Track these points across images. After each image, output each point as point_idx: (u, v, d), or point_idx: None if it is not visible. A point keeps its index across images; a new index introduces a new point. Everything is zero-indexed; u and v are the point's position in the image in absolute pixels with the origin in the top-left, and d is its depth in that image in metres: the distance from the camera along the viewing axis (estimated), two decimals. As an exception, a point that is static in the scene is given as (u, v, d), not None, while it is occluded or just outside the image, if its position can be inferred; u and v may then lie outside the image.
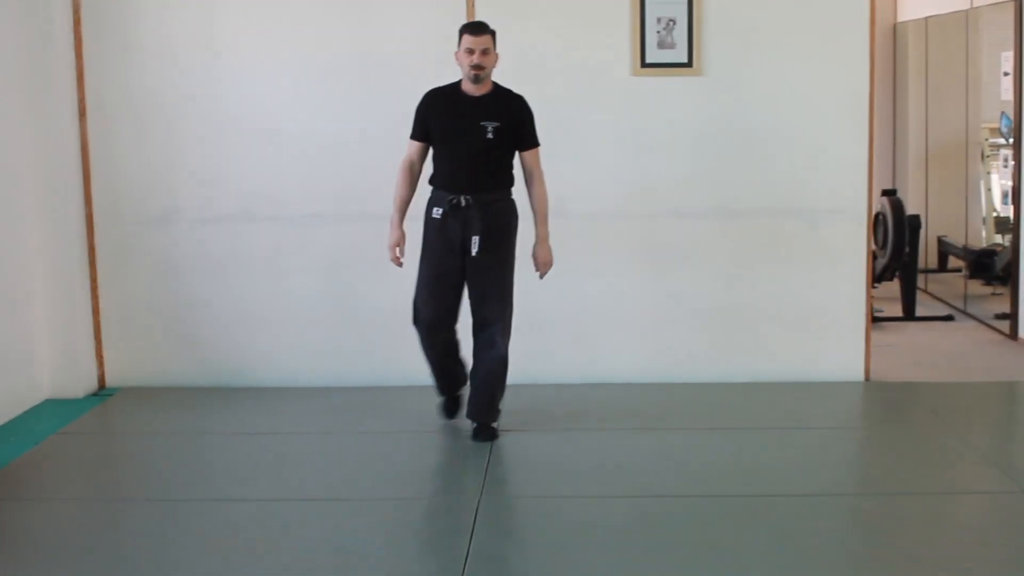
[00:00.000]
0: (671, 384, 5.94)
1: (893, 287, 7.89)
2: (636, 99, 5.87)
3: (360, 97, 5.87)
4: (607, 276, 5.96)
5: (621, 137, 5.90)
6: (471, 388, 5.13)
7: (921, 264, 8.07)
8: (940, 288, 8.41)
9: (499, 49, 4.96)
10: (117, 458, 5.22)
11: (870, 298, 6.05)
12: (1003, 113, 7.45)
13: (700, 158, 5.91)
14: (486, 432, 5.08)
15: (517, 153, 5.02)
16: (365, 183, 5.85)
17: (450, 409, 5.31)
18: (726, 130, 5.89)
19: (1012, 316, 6.99)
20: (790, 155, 5.91)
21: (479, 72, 4.84)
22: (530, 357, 5.66)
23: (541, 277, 5.12)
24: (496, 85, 4.99)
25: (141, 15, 5.84)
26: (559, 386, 5.91)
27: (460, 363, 5.22)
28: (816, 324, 5.98)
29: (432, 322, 5.04)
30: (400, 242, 5.00)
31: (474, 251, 4.87)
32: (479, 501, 4.39)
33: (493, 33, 4.90)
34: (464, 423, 5.23)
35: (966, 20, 8.11)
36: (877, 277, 7.60)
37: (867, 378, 6.02)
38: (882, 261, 7.66)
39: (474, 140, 4.89)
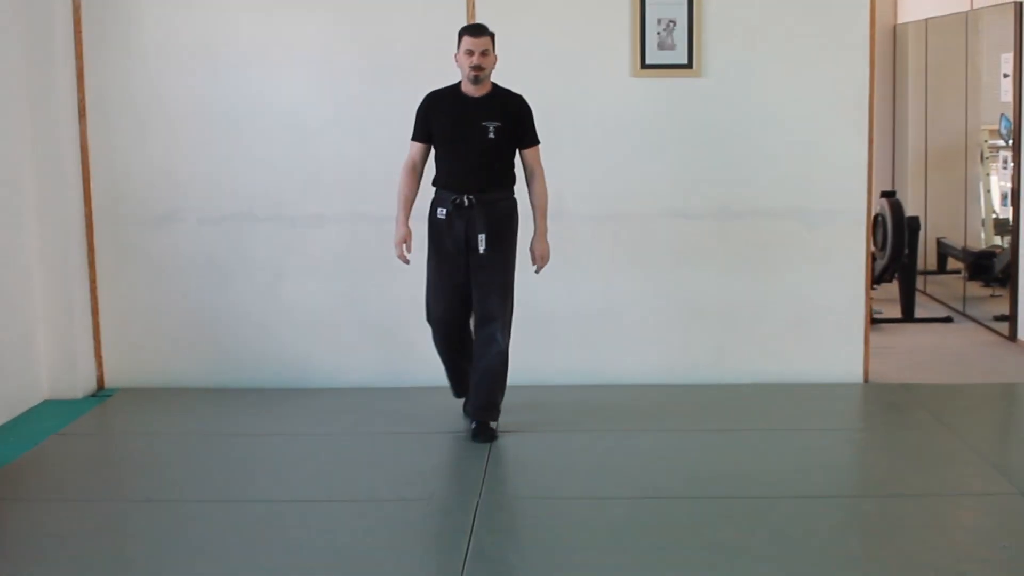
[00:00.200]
0: (670, 385, 5.94)
1: (892, 289, 7.89)
2: (636, 100, 5.87)
3: (361, 97, 5.87)
4: (607, 277, 5.96)
5: (621, 138, 5.90)
6: (471, 384, 5.15)
7: (920, 266, 8.07)
8: (939, 290, 8.42)
9: (500, 50, 5.00)
10: (116, 459, 5.22)
11: (869, 300, 6.06)
12: (1003, 115, 7.46)
13: (700, 159, 5.91)
14: (485, 433, 5.08)
15: (518, 151, 5.07)
16: (366, 184, 5.85)
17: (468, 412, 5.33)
18: (726, 131, 5.90)
19: (1011, 318, 6.99)
20: (790, 156, 5.92)
21: (479, 73, 4.89)
22: (529, 357, 5.66)
23: (537, 271, 5.15)
24: (495, 85, 5.03)
25: (141, 16, 5.84)
26: (558, 386, 5.91)
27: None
28: (815, 326, 5.98)
29: (443, 319, 5.11)
30: (406, 239, 5.04)
31: (481, 249, 4.93)
32: (478, 501, 4.39)
33: (492, 35, 4.95)
34: (465, 424, 5.24)
35: (966, 22, 8.11)
36: (876, 279, 7.60)
37: (866, 379, 6.03)
38: (881, 263, 7.66)
39: (476, 141, 4.95)
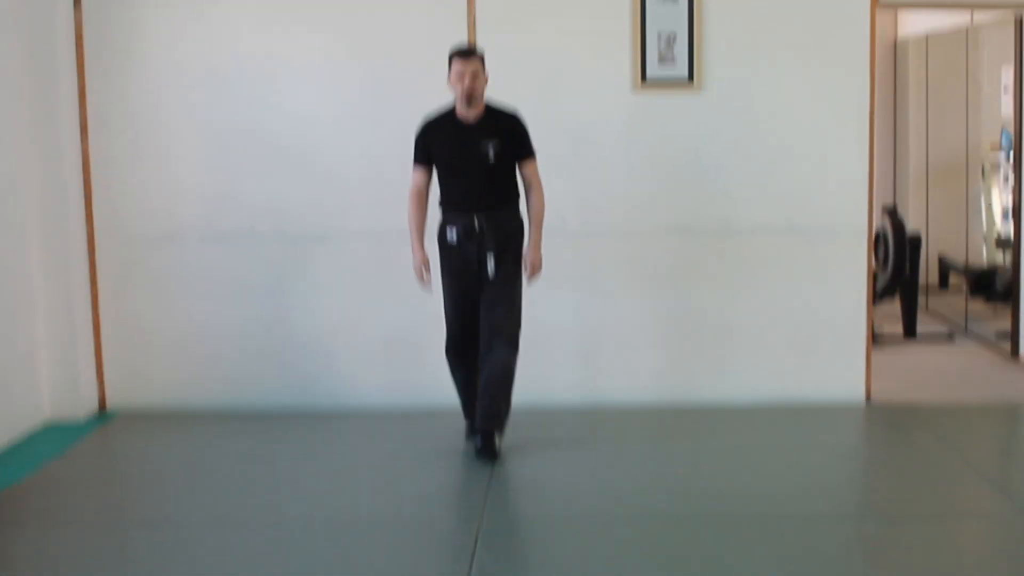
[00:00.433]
0: (671, 404, 5.94)
1: (894, 306, 7.88)
2: (637, 115, 5.87)
3: (364, 114, 5.88)
4: (606, 294, 5.96)
5: (621, 153, 5.90)
6: (478, 394, 5.16)
7: (922, 282, 8.06)
8: (941, 306, 8.41)
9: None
10: (118, 481, 5.20)
11: (871, 317, 6.05)
12: (1003, 129, 7.47)
13: (701, 174, 5.91)
14: (489, 449, 5.08)
15: (517, 166, 5.14)
16: (368, 202, 5.85)
17: (474, 431, 5.32)
18: (727, 146, 5.90)
19: (1013, 336, 6.98)
20: (790, 172, 5.92)
21: (471, 97, 4.98)
22: (529, 378, 5.63)
23: (529, 280, 5.17)
24: (488, 105, 5.09)
25: (143, 32, 5.85)
26: (559, 407, 5.90)
27: None
28: (817, 344, 5.98)
29: (459, 335, 5.20)
30: (425, 264, 5.11)
31: (490, 267, 5.03)
32: (480, 523, 4.38)
33: (481, 57, 5.04)
34: (468, 446, 5.25)
35: (966, 37, 8.12)
36: (878, 295, 7.59)
37: (868, 398, 6.01)
38: (883, 279, 7.65)
39: (477, 163, 5.02)
